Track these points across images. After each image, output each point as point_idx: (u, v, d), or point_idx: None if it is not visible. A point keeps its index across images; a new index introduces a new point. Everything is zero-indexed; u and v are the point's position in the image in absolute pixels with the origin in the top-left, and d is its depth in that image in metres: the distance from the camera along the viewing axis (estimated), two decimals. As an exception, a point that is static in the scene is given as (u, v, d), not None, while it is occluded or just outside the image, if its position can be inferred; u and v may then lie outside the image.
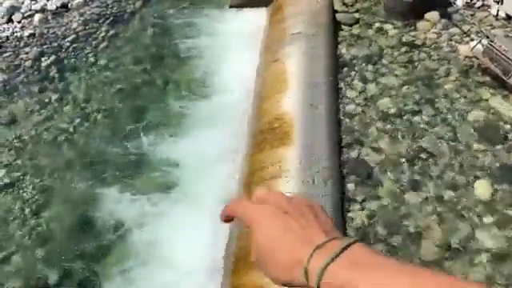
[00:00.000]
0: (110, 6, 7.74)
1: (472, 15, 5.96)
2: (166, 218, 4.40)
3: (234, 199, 0.73)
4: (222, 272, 3.80)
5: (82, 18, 7.48)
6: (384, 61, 5.63)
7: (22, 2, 7.79)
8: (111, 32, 7.14)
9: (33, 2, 7.82)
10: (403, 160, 4.49)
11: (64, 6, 7.79)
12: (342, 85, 5.37)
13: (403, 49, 5.74)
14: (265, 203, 0.65)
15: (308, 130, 4.45)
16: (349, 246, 0.54)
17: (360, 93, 5.25)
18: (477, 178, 4.26)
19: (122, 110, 5.80)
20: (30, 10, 7.70)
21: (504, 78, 4.90)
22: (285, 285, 0.59)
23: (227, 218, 0.70)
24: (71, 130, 5.62)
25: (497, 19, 5.88)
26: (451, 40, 5.76)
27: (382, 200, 4.19)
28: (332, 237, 0.57)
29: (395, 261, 0.52)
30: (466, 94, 5.05)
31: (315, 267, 0.54)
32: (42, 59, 6.75)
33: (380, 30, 6.09)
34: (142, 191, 4.74)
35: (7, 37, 7.20)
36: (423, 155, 4.51)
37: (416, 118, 4.88)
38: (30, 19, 7.56)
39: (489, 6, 6.06)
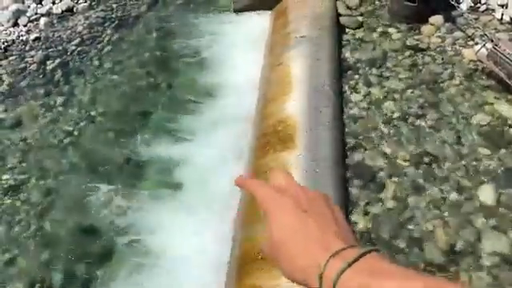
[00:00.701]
0: (115, 9, 7.79)
1: (476, 19, 5.95)
2: (169, 220, 4.41)
3: (249, 177, 0.73)
4: (225, 274, 3.80)
5: (87, 22, 7.53)
6: (388, 64, 5.63)
7: (28, 6, 7.86)
8: (116, 35, 7.18)
9: (38, 6, 7.89)
10: (407, 164, 4.48)
11: (69, 10, 7.85)
12: (346, 88, 5.37)
13: (407, 52, 5.74)
14: (283, 194, 0.65)
15: (312, 133, 4.45)
16: (365, 253, 0.55)
17: (364, 96, 5.25)
18: (481, 182, 4.24)
19: (127, 113, 5.82)
20: (36, 13, 7.76)
21: (508, 81, 4.88)
22: (297, 282, 0.60)
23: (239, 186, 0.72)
24: (76, 133, 5.64)
25: (501, 23, 5.87)
26: (455, 44, 5.75)
27: (386, 204, 4.18)
28: (350, 244, 0.58)
29: (411, 270, 0.53)
30: (471, 98, 5.03)
31: (331, 272, 0.54)
32: (48, 63, 6.80)
33: (384, 34, 6.09)
34: (146, 193, 4.75)
35: (13, 40, 7.26)
36: (427, 159, 4.50)
37: (420, 122, 4.87)
38: (35, 23, 7.62)
39: (493, 10, 6.04)
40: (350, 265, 0.54)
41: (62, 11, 7.80)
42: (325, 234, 0.59)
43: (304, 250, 0.59)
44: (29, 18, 7.66)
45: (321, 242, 0.58)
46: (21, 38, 7.30)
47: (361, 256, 0.54)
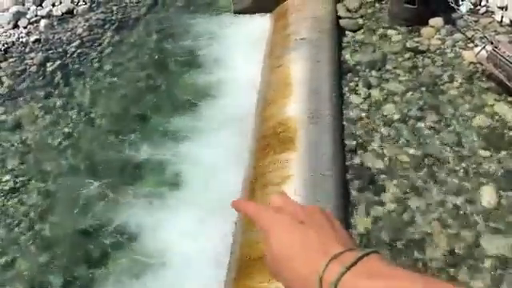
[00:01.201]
0: (115, 11, 7.79)
1: (476, 21, 5.95)
2: (169, 222, 4.40)
3: (245, 200, 0.75)
4: (226, 274, 3.79)
5: (87, 24, 7.53)
6: (388, 66, 5.63)
7: (28, 8, 7.86)
8: (116, 38, 7.19)
9: (39, 8, 7.89)
10: (407, 166, 4.48)
11: (69, 12, 7.86)
12: (345, 90, 5.36)
13: (407, 55, 5.74)
14: (281, 212, 0.66)
15: (312, 135, 4.45)
16: (364, 256, 0.55)
17: (364, 98, 5.25)
18: (482, 184, 4.24)
19: (127, 115, 5.82)
20: (36, 15, 7.76)
21: (508, 83, 4.88)
22: None
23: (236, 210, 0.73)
24: (76, 134, 5.64)
25: (501, 25, 5.88)
26: (455, 46, 5.75)
27: (386, 206, 4.18)
28: (348, 247, 0.58)
29: (410, 272, 0.53)
30: (471, 100, 5.03)
31: (330, 276, 0.54)
32: (47, 64, 6.80)
33: (384, 36, 6.09)
34: (145, 194, 4.75)
35: (13, 42, 7.26)
36: (427, 161, 4.50)
37: (420, 124, 4.87)
38: (35, 25, 7.62)
39: (493, 12, 6.05)
40: (348, 268, 0.53)
41: (62, 13, 7.81)
42: (324, 241, 0.60)
43: (304, 259, 0.59)
44: (29, 19, 7.66)
45: (320, 248, 0.59)
46: (21, 39, 7.30)
47: (359, 259, 0.54)
